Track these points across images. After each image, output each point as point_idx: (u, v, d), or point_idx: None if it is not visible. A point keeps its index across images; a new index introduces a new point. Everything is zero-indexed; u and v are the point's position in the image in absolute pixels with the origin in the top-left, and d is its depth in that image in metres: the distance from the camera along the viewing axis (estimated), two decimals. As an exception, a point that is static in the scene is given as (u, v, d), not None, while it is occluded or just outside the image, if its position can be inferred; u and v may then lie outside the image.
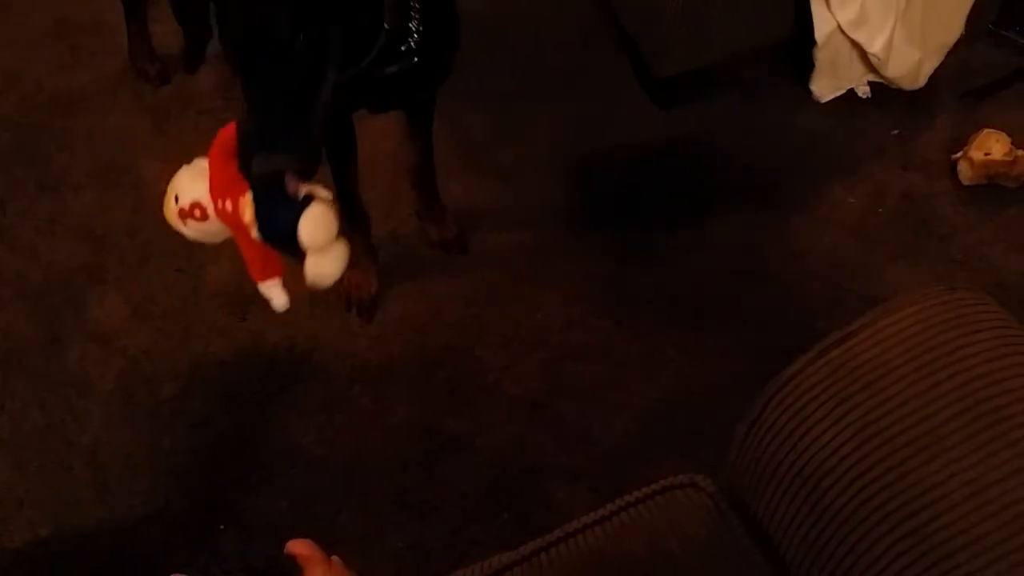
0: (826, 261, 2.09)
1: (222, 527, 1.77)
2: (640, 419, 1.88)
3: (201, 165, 1.40)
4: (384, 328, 2.01)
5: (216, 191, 1.37)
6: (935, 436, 0.95)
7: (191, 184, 1.40)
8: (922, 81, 2.30)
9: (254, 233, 1.35)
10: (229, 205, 1.36)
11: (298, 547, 0.95)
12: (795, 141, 2.30)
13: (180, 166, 2.28)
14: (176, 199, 1.42)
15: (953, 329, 1.01)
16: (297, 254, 1.34)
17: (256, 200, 1.32)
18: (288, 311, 2.00)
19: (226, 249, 2.09)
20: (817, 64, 2.27)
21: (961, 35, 2.30)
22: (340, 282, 2.00)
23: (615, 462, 1.83)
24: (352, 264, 2.01)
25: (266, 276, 1.47)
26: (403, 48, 1.48)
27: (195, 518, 1.79)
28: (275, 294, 1.48)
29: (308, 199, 1.30)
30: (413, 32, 1.49)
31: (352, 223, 1.99)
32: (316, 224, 1.30)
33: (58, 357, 1.98)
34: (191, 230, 1.44)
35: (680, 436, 1.85)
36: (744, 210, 2.18)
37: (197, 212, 1.40)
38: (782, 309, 2.02)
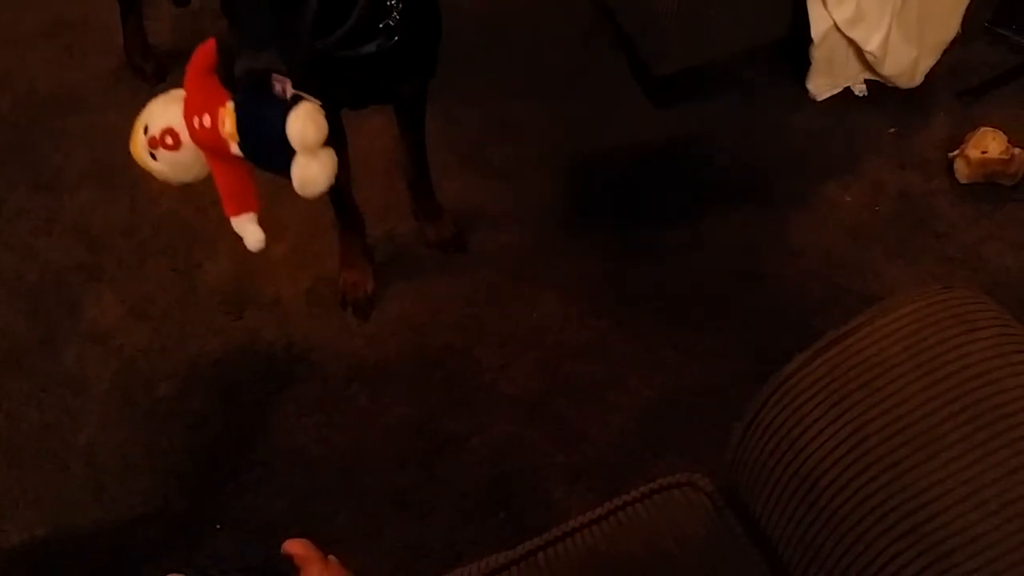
0: (823, 260, 2.09)
1: (219, 527, 1.77)
2: (638, 418, 1.88)
3: (175, 93, 1.34)
4: (381, 328, 2.01)
5: (192, 108, 1.31)
6: (933, 435, 0.95)
7: (163, 110, 1.35)
8: (919, 79, 2.30)
9: (234, 148, 1.30)
10: (207, 119, 1.30)
11: (295, 547, 0.95)
12: (792, 140, 2.30)
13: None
14: (146, 130, 1.36)
15: (951, 328, 1.01)
16: (281, 163, 1.28)
17: (239, 105, 1.28)
18: (285, 310, 2.02)
19: (223, 247, 2.11)
20: (813, 63, 2.27)
21: (957, 33, 2.29)
22: (336, 281, 2.03)
23: (613, 461, 1.83)
24: (348, 264, 2.01)
25: (240, 210, 1.39)
26: (381, 25, 1.44)
27: (192, 518, 1.79)
28: (248, 231, 1.40)
29: (296, 98, 1.24)
30: (393, 11, 1.46)
31: (346, 222, 1.99)
32: (306, 120, 1.24)
33: (54, 357, 1.98)
34: (161, 163, 1.38)
35: (678, 435, 1.85)
36: (741, 209, 2.18)
37: (169, 139, 1.34)
38: (779, 308, 2.02)
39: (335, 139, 1.82)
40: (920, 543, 0.93)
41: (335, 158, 1.31)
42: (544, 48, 2.48)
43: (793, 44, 2.28)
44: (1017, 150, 2.14)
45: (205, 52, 1.30)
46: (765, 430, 1.07)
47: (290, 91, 1.24)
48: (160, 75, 2.40)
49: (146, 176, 2.32)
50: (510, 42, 2.49)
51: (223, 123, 1.28)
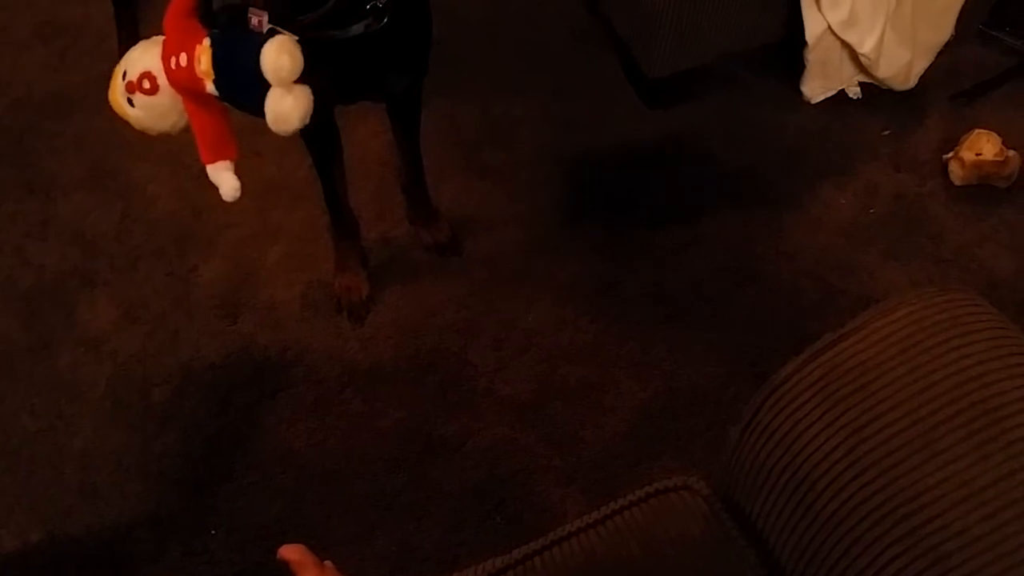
0: (818, 261, 2.09)
1: (214, 531, 1.76)
2: (633, 421, 1.87)
3: (155, 39, 1.36)
4: (375, 331, 2.00)
5: (170, 49, 1.32)
6: (929, 438, 0.95)
7: (142, 55, 1.36)
8: (913, 82, 2.31)
9: (209, 87, 1.31)
10: (184, 58, 1.31)
11: (290, 552, 0.94)
12: (786, 142, 2.30)
13: (170, 168, 2.28)
14: (124, 76, 1.37)
15: (946, 330, 1.01)
16: (255, 99, 1.28)
17: (215, 40, 1.28)
18: (279, 314, 2.02)
19: (218, 251, 2.11)
20: (808, 65, 2.27)
21: (951, 36, 2.30)
22: (331, 285, 2.02)
23: (607, 464, 1.83)
24: (343, 268, 2.01)
25: (217, 157, 1.41)
26: (369, 6, 1.41)
27: (186, 522, 1.78)
28: (224, 179, 1.41)
29: (273, 32, 1.25)
30: None
31: (341, 227, 1.98)
32: (281, 50, 1.24)
33: (48, 361, 1.97)
34: (138, 108, 1.39)
35: (673, 437, 1.85)
36: (736, 211, 2.18)
37: (146, 83, 1.35)
38: (774, 309, 2.02)
39: (331, 144, 1.83)
40: (917, 546, 0.92)
41: (310, 96, 1.30)
42: (538, 50, 2.48)
43: (787, 46, 2.28)
44: (1011, 152, 2.15)
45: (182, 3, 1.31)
46: (761, 433, 1.07)
47: (266, 25, 1.25)
48: (154, 79, 2.39)
49: (140, 180, 2.32)
50: (505, 44, 2.49)
51: (199, 60, 1.29)
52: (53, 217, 2.19)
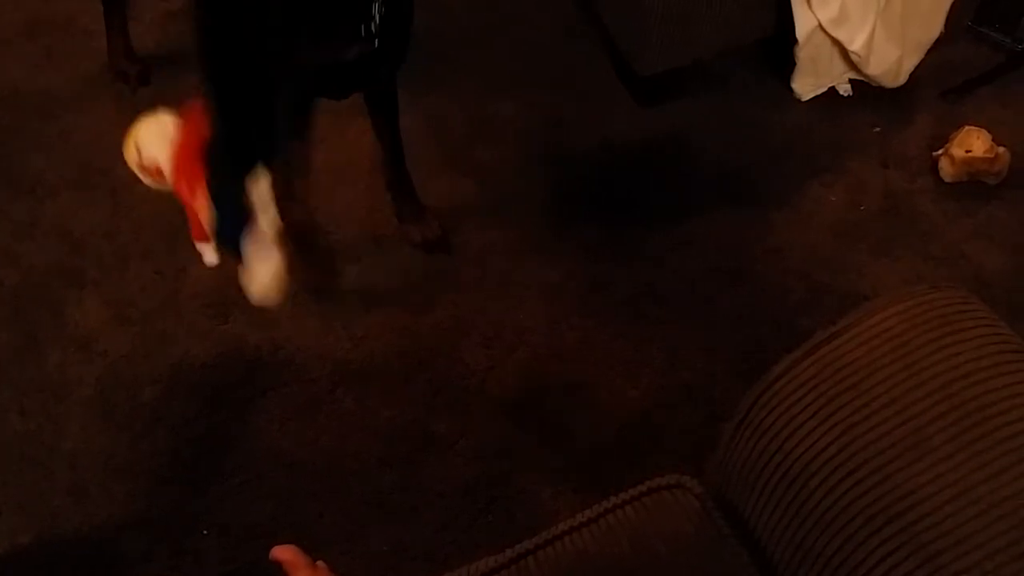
0: (808, 259, 2.09)
1: (205, 532, 1.76)
2: (624, 419, 1.87)
3: (163, 120, 1.46)
4: (366, 330, 2.00)
5: (179, 169, 1.45)
6: (920, 436, 0.95)
7: (153, 143, 1.50)
8: (903, 79, 2.31)
9: (204, 221, 1.47)
10: (189, 196, 1.47)
11: (282, 553, 0.94)
12: (777, 139, 2.31)
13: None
14: (138, 151, 1.51)
15: (937, 328, 1.01)
16: (238, 257, 1.47)
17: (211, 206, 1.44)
18: (270, 313, 2.01)
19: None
20: (798, 62, 2.27)
21: (941, 33, 2.30)
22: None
23: (599, 462, 1.82)
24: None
25: (204, 238, 1.59)
26: (363, 33, 1.44)
27: (177, 523, 1.77)
28: (207, 252, 1.63)
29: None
30: (375, 15, 1.45)
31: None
32: (271, 280, 1.47)
33: (36, 362, 1.97)
34: (149, 181, 1.56)
35: (664, 435, 1.85)
36: (726, 208, 2.18)
37: (156, 172, 1.51)
38: (764, 307, 2.03)
39: (302, 133, 1.83)
40: (909, 543, 0.93)
41: (282, 270, 1.54)
42: (530, 48, 2.48)
43: (778, 44, 2.28)
44: (1001, 149, 2.15)
45: (199, 114, 1.38)
46: (754, 431, 1.07)
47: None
48: (143, 79, 2.37)
49: (128, 180, 2.31)
50: (496, 42, 2.49)
51: (200, 203, 1.46)
52: (40, 216, 2.18)
